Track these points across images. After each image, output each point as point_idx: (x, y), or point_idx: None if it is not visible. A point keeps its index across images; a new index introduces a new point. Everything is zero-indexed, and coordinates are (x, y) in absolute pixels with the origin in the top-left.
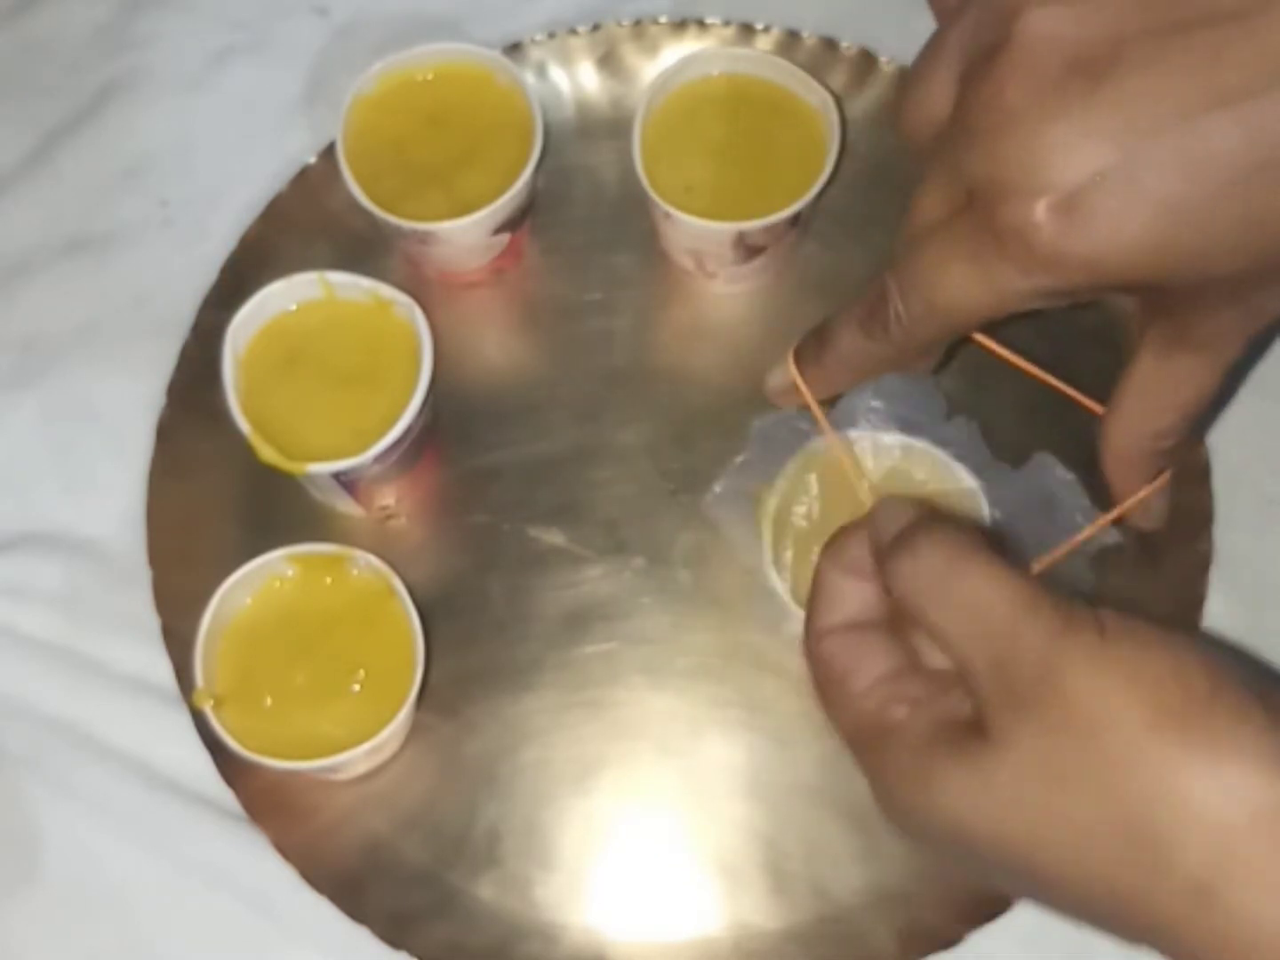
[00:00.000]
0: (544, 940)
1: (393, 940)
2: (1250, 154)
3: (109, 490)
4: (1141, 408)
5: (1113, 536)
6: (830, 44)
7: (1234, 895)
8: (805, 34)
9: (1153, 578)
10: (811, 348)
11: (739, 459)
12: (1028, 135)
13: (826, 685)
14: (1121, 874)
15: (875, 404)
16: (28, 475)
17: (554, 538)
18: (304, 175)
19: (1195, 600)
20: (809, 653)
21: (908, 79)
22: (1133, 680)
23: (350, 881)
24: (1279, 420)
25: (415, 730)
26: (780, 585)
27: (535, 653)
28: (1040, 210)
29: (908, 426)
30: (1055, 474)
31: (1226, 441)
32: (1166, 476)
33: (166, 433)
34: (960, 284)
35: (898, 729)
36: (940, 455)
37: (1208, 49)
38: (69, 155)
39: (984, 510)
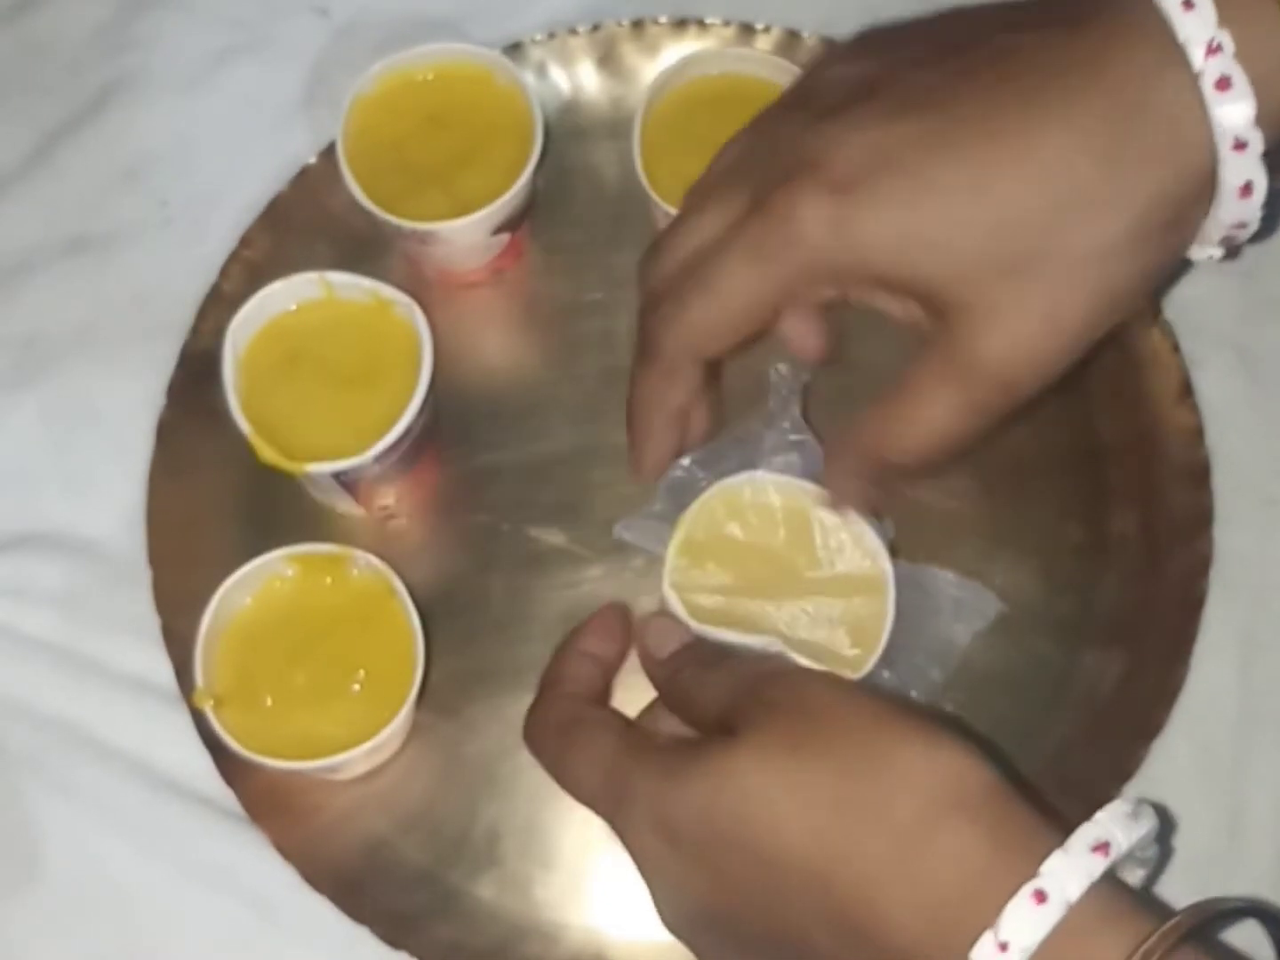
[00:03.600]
0: (544, 940)
1: (393, 940)
2: (987, 127)
3: (109, 490)
4: (889, 414)
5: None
6: (830, 44)
7: (932, 861)
8: (805, 34)
9: (1153, 578)
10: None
11: (653, 508)
12: (808, 136)
13: (567, 738)
14: (839, 831)
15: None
16: (28, 475)
17: (554, 538)
18: (304, 175)
19: (1195, 600)
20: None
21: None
22: (855, 694)
23: (350, 881)
24: (1279, 421)
25: (415, 730)
26: (678, 604)
27: (535, 653)
28: (810, 188)
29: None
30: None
31: (1226, 441)
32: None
33: (166, 433)
34: (741, 272)
35: (650, 747)
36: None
37: (957, 68)
38: (69, 155)
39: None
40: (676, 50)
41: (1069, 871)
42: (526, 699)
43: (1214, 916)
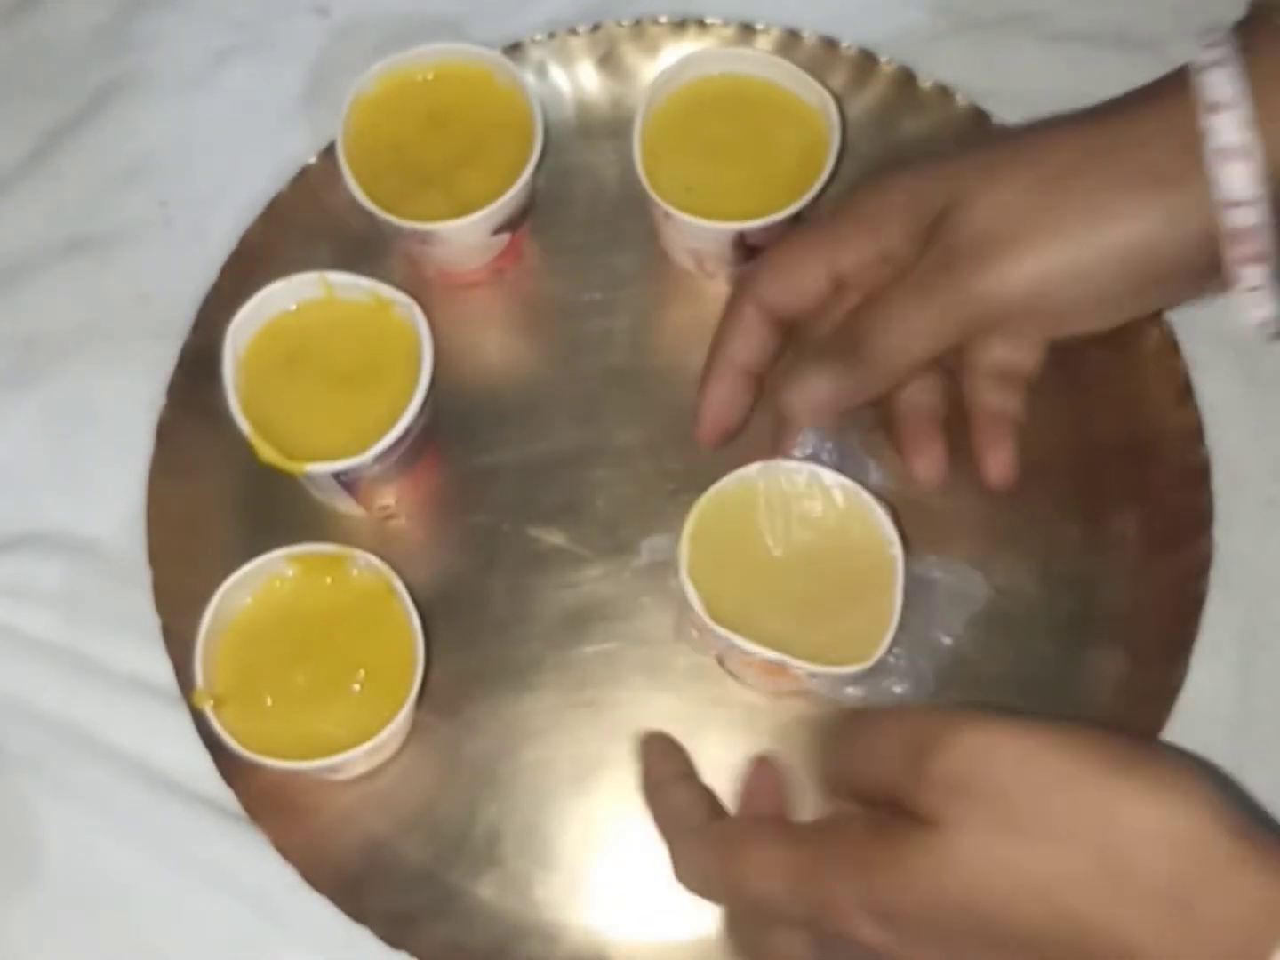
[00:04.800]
0: (544, 940)
1: (393, 940)
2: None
3: (109, 490)
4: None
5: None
6: (830, 44)
7: (1205, 905)
8: (805, 34)
9: (1152, 578)
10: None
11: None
12: (976, 206)
13: (733, 862)
14: (1087, 907)
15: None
16: (28, 475)
17: (554, 538)
18: (304, 175)
19: (1195, 600)
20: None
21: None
22: (1059, 745)
23: (350, 881)
24: (1279, 421)
25: (415, 730)
26: (695, 597)
27: (535, 653)
28: (974, 252)
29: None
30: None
31: (1226, 441)
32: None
33: (166, 433)
34: (916, 316)
35: (832, 842)
36: (875, 507)
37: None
38: (69, 155)
39: (898, 565)
40: (676, 50)
41: None
42: (527, 699)
43: None
